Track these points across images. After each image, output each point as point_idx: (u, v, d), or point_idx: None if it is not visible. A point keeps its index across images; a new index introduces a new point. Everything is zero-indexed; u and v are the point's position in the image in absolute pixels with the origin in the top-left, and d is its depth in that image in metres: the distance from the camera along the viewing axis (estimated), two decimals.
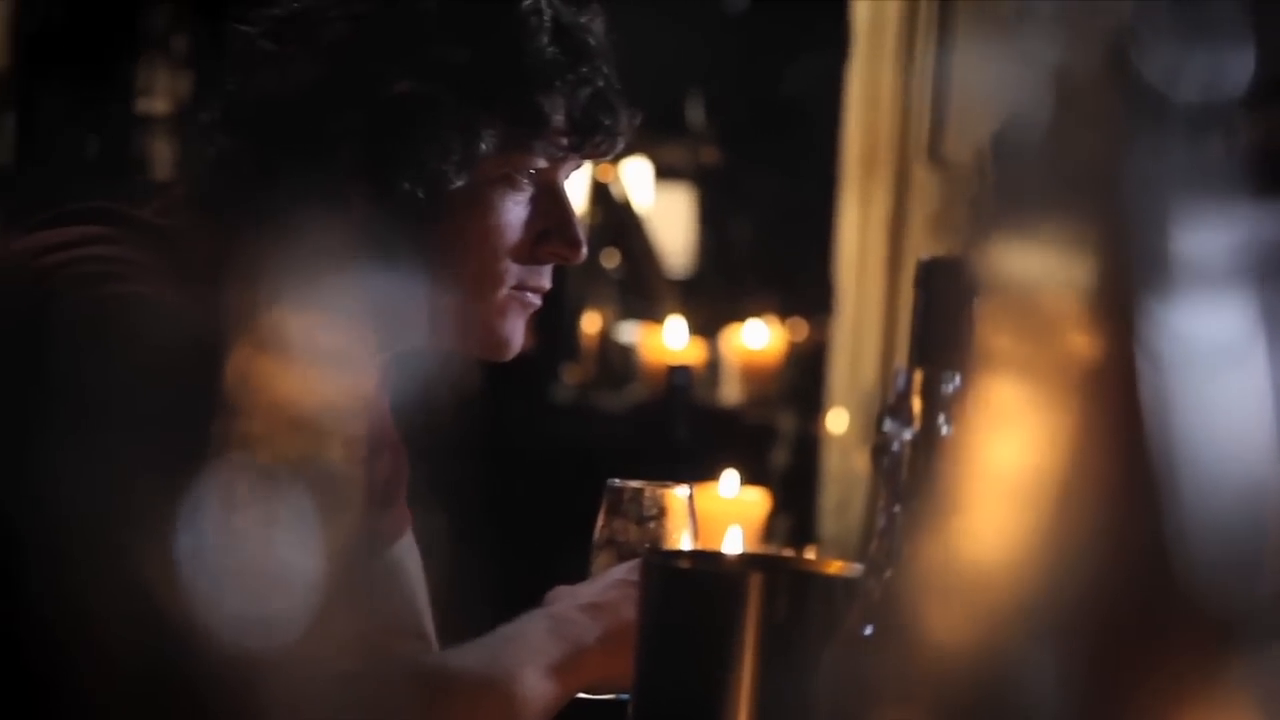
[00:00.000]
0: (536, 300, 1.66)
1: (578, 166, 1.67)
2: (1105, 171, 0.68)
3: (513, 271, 1.62)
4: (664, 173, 5.75)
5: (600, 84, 1.62)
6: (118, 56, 4.63)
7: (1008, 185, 0.71)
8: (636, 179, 5.58)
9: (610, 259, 5.25)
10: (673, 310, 4.91)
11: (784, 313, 4.85)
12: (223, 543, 1.38)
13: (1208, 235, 0.69)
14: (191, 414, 1.38)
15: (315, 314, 1.55)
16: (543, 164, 1.62)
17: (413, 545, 1.84)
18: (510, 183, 1.61)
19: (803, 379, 4.33)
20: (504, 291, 1.62)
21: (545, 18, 1.60)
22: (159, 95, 4.63)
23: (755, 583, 1.22)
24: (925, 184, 3.66)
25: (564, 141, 1.61)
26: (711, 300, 5.25)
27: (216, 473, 1.38)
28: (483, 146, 1.57)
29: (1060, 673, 0.68)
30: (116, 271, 1.47)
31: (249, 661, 1.36)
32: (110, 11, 4.66)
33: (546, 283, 1.66)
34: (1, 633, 1.47)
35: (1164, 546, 0.66)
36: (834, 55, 3.88)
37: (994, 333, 0.71)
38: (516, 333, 1.65)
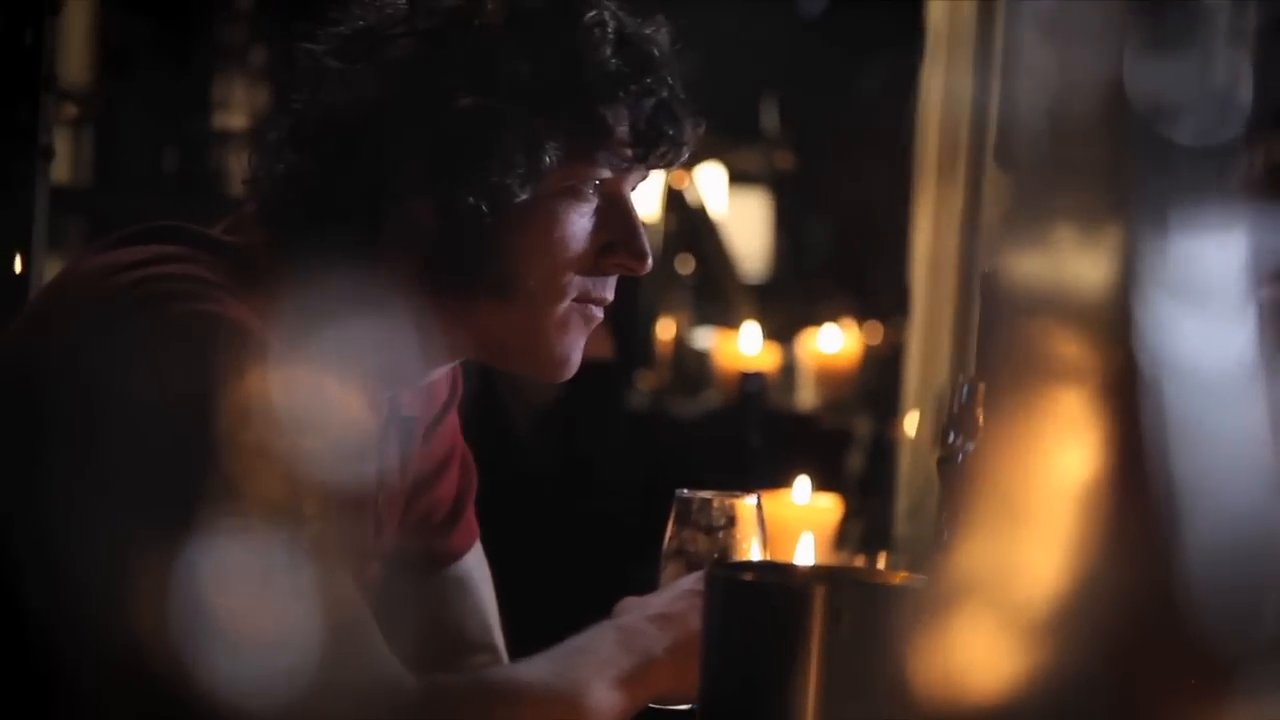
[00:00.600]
0: (599, 314, 1.66)
1: (644, 177, 1.67)
2: (1115, 184, 0.68)
3: (576, 283, 1.62)
4: (738, 178, 5.75)
5: (664, 94, 1.62)
6: (196, 71, 4.67)
7: (1027, 194, 0.71)
8: (711, 184, 5.58)
9: (685, 265, 5.25)
10: (748, 316, 4.91)
11: (859, 317, 4.84)
12: (218, 598, 1.39)
13: (1214, 250, 0.69)
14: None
15: (347, 344, 1.57)
16: (607, 175, 1.62)
17: (481, 558, 1.85)
18: (575, 194, 1.61)
19: (878, 383, 4.32)
20: (566, 304, 1.62)
21: (609, 29, 1.60)
22: (236, 109, 4.67)
23: (818, 595, 1.23)
24: (999, 187, 3.64)
25: (628, 152, 1.61)
26: (787, 305, 5.24)
27: (216, 522, 1.38)
28: (547, 160, 1.58)
29: (1079, 691, 0.68)
30: (186, 290, 1.48)
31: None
32: (189, 26, 4.70)
33: (610, 294, 1.66)
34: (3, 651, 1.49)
35: (1168, 572, 0.66)
36: (909, 58, 3.87)
37: (1024, 344, 0.72)
38: (576, 350, 1.65)
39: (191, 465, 1.40)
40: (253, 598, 1.38)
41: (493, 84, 1.57)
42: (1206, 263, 0.70)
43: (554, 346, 1.63)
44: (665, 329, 4.94)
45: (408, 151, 1.57)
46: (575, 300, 1.63)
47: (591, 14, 1.60)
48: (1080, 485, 0.69)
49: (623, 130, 1.60)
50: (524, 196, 1.57)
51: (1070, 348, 0.69)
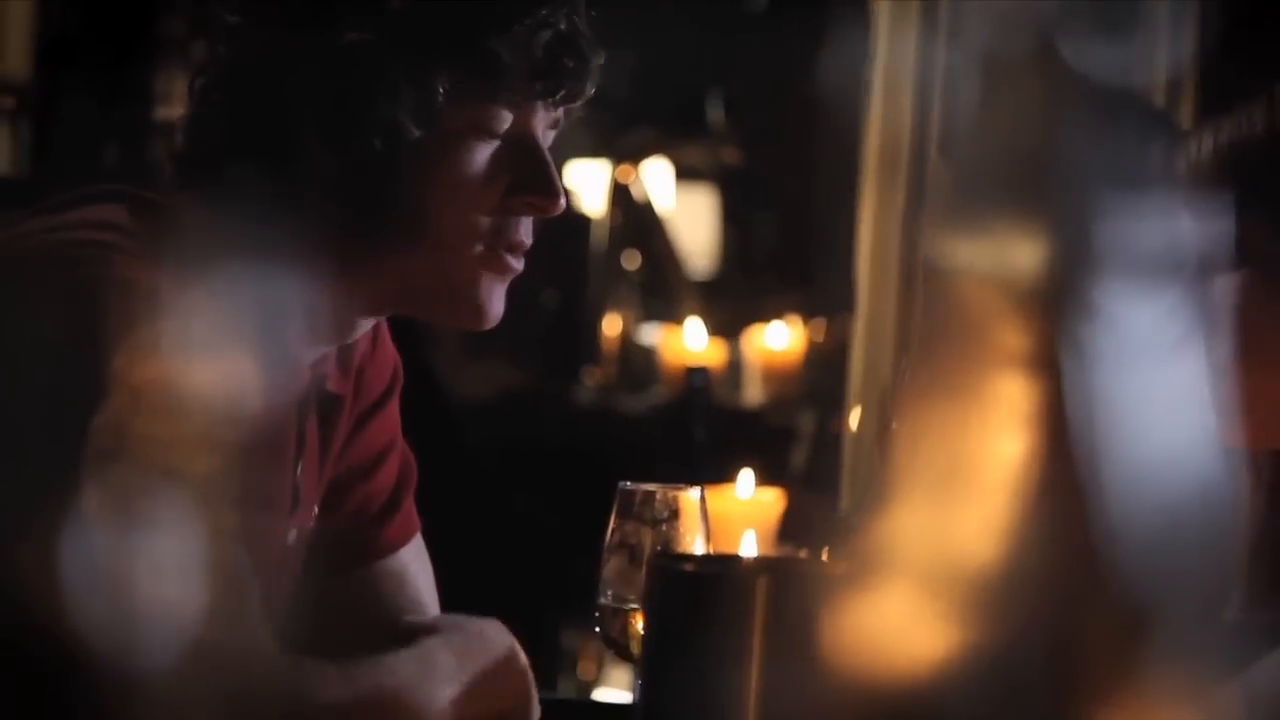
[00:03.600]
0: (514, 262, 1.62)
1: (556, 120, 1.64)
2: (1042, 162, 0.67)
3: (485, 225, 1.59)
4: (685, 173, 5.74)
5: (562, 26, 1.59)
6: (136, 63, 4.63)
7: (960, 177, 0.70)
8: (657, 179, 5.57)
9: (631, 260, 5.24)
10: (694, 311, 4.90)
11: (806, 313, 4.83)
12: (99, 547, 1.38)
13: (1143, 226, 0.68)
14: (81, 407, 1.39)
15: (249, 294, 1.55)
16: (507, 113, 1.59)
17: (421, 550, 1.83)
18: (476, 134, 1.58)
19: (823, 379, 4.32)
20: (477, 248, 1.59)
21: None
22: (177, 102, 4.63)
23: (760, 585, 1.21)
24: (941, 177, 3.65)
25: (526, 88, 1.59)
26: (733, 301, 5.23)
27: (98, 473, 1.38)
28: (439, 94, 1.55)
29: (1014, 661, 0.67)
30: (96, 255, 1.47)
31: (123, 672, 1.36)
32: (128, 18, 4.67)
33: (526, 238, 1.62)
34: None
35: (1092, 542, 0.65)
36: (855, 52, 3.86)
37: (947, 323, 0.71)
38: (494, 299, 1.62)
39: (74, 417, 1.39)
40: (134, 554, 1.37)
41: (377, 19, 1.55)
42: (1142, 244, 0.69)
43: (469, 291, 1.60)
44: (611, 325, 4.93)
45: (303, 96, 1.55)
46: (488, 246, 1.60)
47: None
48: (1006, 457, 0.68)
49: (520, 65, 1.57)
50: (419, 134, 1.55)
51: (998, 322, 0.68)
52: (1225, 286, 1.55)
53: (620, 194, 5.27)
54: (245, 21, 1.58)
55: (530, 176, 1.61)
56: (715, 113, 5.66)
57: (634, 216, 5.29)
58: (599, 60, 1.62)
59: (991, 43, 0.71)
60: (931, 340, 0.72)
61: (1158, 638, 0.66)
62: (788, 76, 5.28)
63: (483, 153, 1.59)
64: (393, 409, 1.79)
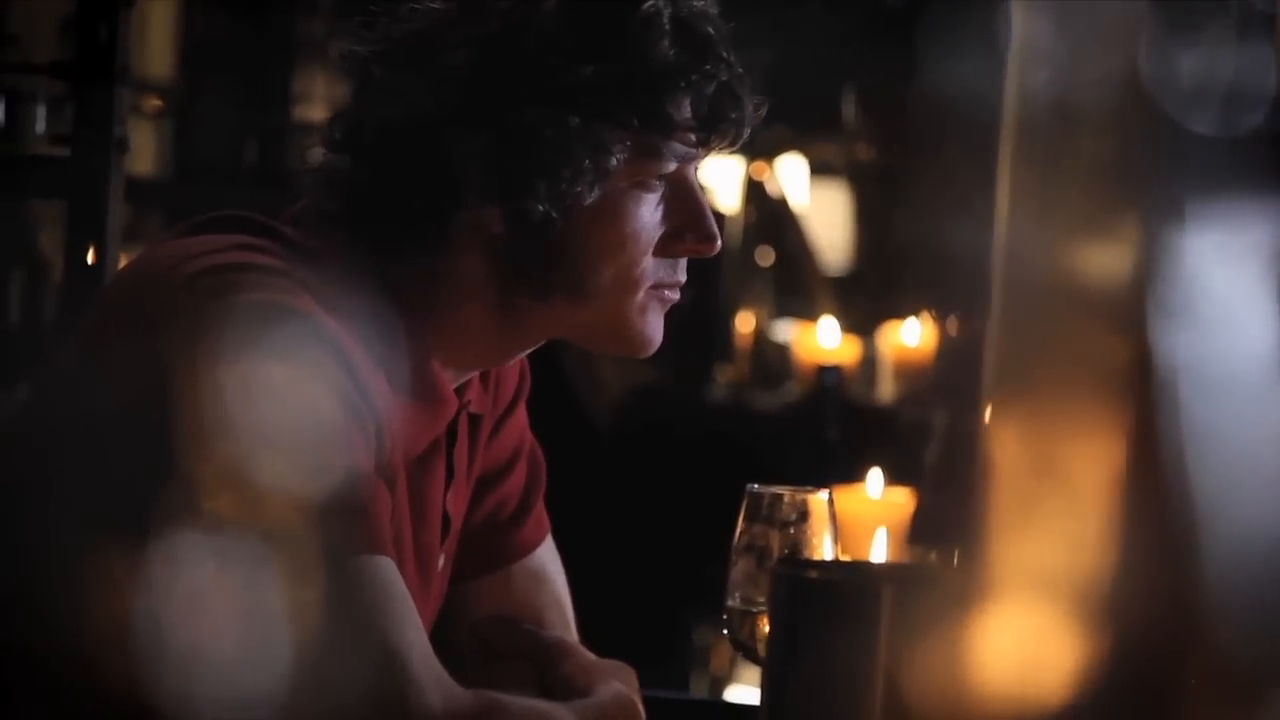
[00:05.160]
0: (675, 295, 1.65)
1: (705, 157, 1.66)
2: (1131, 176, 0.67)
3: (649, 272, 1.62)
4: (819, 169, 5.73)
5: (725, 77, 1.60)
6: (277, 64, 4.69)
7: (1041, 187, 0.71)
8: (791, 176, 5.56)
9: (765, 257, 5.24)
10: (828, 308, 4.89)
11: (940, 309, 4.80)
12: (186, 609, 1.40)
13: (1235, 246, 0.68)
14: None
15: (413, 340, 1.58)
16: (673, 166, 1.61)
17: (554, 551, 1.84)
18: (642, 187, 1.60)
19: (958, 376, 4.28)
20: (642, 294, 1.62)
21: (665, 17, 1.58)
22: (316, 103, 4.69)
23: (885, 593, 1.21)
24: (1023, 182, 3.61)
25: (692, 139, 1.60)
26: (867, 298, 5.21)
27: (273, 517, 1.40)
28: (614, 161, 1.57)
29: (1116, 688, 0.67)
30: (254, 281, 1.49)
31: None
32: (270, 19, 4.73)
33: (683, 277, 1.65)
34: None
35: (1187, 575, 0.64)
36: (993, 49, 3.83)
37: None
38: (657, 329, 1.64)
39: (255, 446, 1.41)
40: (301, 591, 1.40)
41: (555, 91, 1.55)
42: (1226, 259, 0.69)
43: (634, 330, 1.63)
44: (745, 322, 4.92)
45: (472, 163, 1.55)
46: (650, 289, 1.62)
47: (648, 3, 1.58)
48: (1096, 483, 0.67)
49: (686, 119, 1.59)
50: (593, 198, 1.56)
51: (1085, 343, 0.68)
52: None
53: (754, 191, 5.27)
54: (401, 78, 1.57)
55: (690, 223, 1.63)
56: (849, 109, 5.64)
57: (768, 213, 5.28)
58: (759, 107, 1.63)
59: (1072, 57, 0.71)
60: (1024, 349, 0.72)
61: (1254, 680, 0.66)
62: (922, 72, 5.25)
63: (646, 205, 1.61)
64: (521, 412, 1.81)
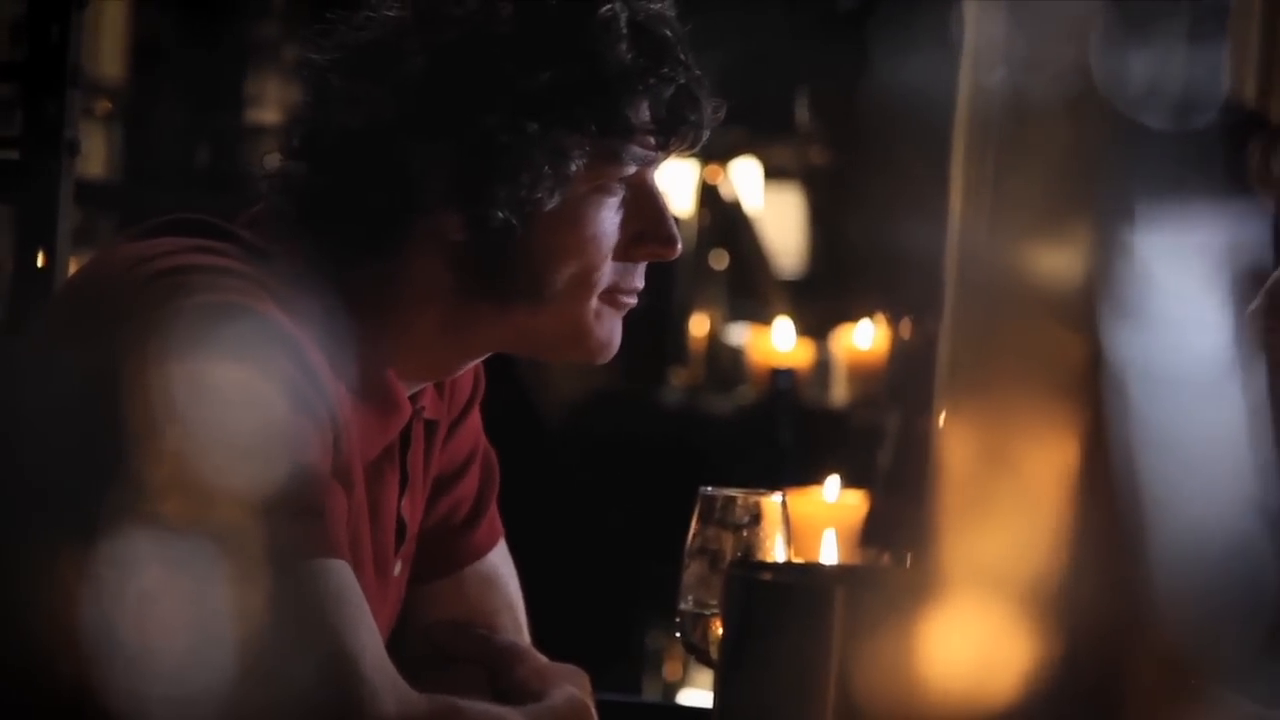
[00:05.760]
0: (632, 301, 1.65)
1: (664, 160, 1.66)
2: (1085, 174, 0.67)
3: (608, 277, 1.61)
4: (773, 173, 5.74)
5: (682, 80, 1.60)
6: (229, 66, 4.67)
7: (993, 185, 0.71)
8: (745, 179, 5.57)
9: (719, 260, 5.24)
10: (782, 311, 4.90)
11: (893, 312, 4.82)
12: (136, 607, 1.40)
13: (1188, 244, 0.68)
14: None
15: (369, 345, 1.57)
16: (632, 169, 1.60)
17: (506, 555, 1.84)
18: (602, 191, 1.60)
19: (911, 379, 4.30)
20: (599, 299, 1.61)
21: (622, 21, 1.58)
22: (269, 105, 4.67)
23: (835, 595, 1.21)
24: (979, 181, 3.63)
25: (651, 142, 1.60)
26: (821, 301, 5.22)
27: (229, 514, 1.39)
28: (573, 166, 1.56)
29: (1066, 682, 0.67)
30: (211, 282, 1.48)
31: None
32: (222, 21, 4.71)
33: (641, 282, 1.65)
34: None
35: (1137, 566, 0.65)
36: (945, 52, 3.84)
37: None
38: (614, 335, 1.64)
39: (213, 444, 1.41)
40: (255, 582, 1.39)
41: (514, 97, 1.55)
42: (1178, 258, 0.69)
43: (591, 337, 1.62)
44: (699, 325, 4.93)
45: (430, 170, 1.55)
46: (608, 293, 1.62)
47: (605, 7, 1.57)
48: (1047, 483, 0.68)
49: (645, 122, 1.58)
50: (552, 204, 1.56)
51: (1038, 342, 0.69)
52: None
53: (708, 194, 5.28)
54: (358, 87, 1.56)
55: (650, 226, 1.62)
56: (803, 112, 5.65)
57: (722, 216, 5.29)
58: (716, 109, 1.62)
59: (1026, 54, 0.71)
60: (977, 349, 0.72)
61: (1202, 671, 0.66)
62: (875, 73, 5.26)
63: (606, 209, 1.60)
64: (475, 416, 1.81)
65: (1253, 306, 1.56)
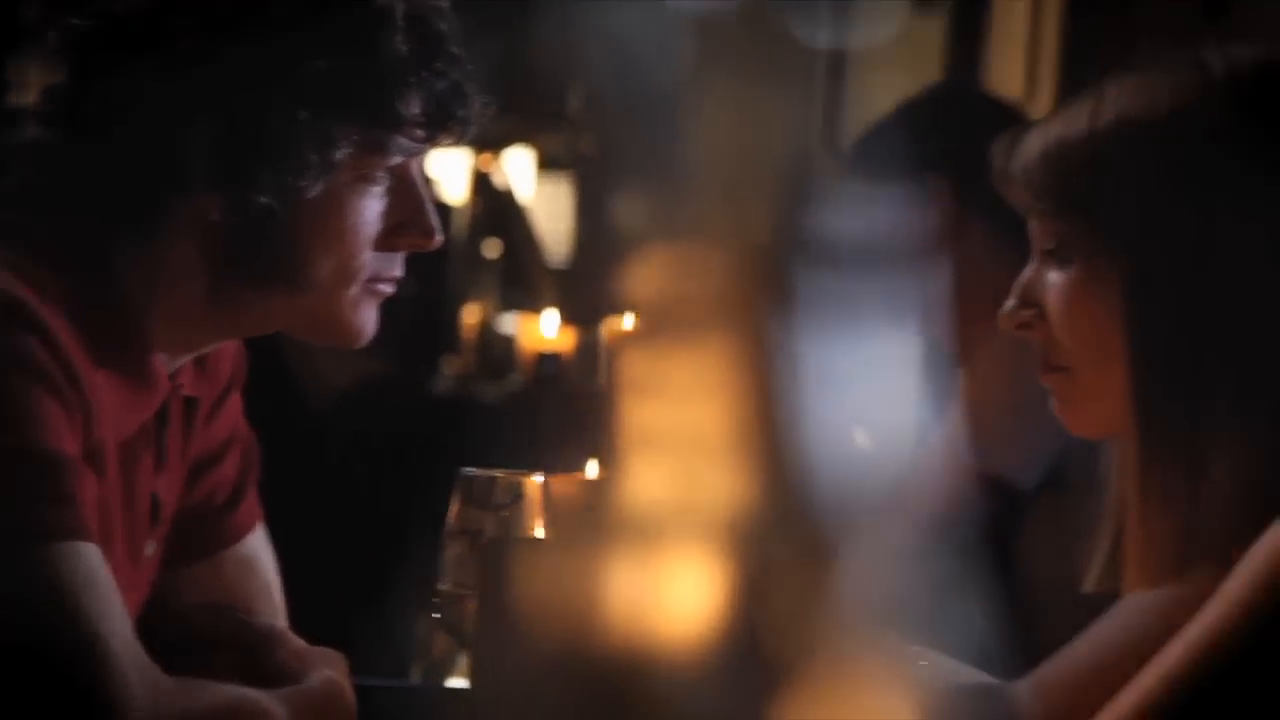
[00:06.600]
0: (390, 289, 1.66)
1: (430, 152, 1.67)
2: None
3: (368, 265, 1.62)
4: (546, 162, 5.76)
5: (455, 75, 1.61)
6: None
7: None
8: (518, 168, 5.58)
9: (491, 249, 5.25)
10: (553, 300, 4.92)
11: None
12: None
13: (841, 225, 0.72)
14: None
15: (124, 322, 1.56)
16: (397, 160, 1.61)
17: (265, 540, 1.84)
18: (365, 180, 1.60)
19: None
20: (357, 287, 1.62)
21: (398, 13, 1.58)
22: (32, 89, 4.58)
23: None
24: (826, 173, 3.71)
25: (418, 135, 1.61)
26: (591, 289, 5.25)
27: None
28: (338, 154, 1.57)
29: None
30: None
31: None
32: None
33: (400, 271, 1.66)
34: None
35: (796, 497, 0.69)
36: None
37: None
38: (368, 322, 1.65)
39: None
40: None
41: (284, 82, 1.55)
42: (848, 228, 0.73)
43: (347, 323, 1.63)
44: (471, 313, 4.93)
45: (194, 150, 1.54)
46: (367, 281, 1.62)
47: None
48: (720, 416, 0.71)
49: (414, 115, 1.59)
50: (316, 191, 1.56)
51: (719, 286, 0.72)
52: (1058, 285, 1.58)
53: (481, 183, 5.28)
54: (128, 58, 1.54)
55: (411, 218, 1.63)
56: (575, 102, 5.68)
57: (494, 205, 5.30)
58: (486, 105, 1.64)
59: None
60: (652, 300, 0.76)
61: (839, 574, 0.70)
62: (643, 67, 5.30)
63: (368, 198, 1.60)
64: (236, 397, 1.80)
65: (1007, 306, 1.62)
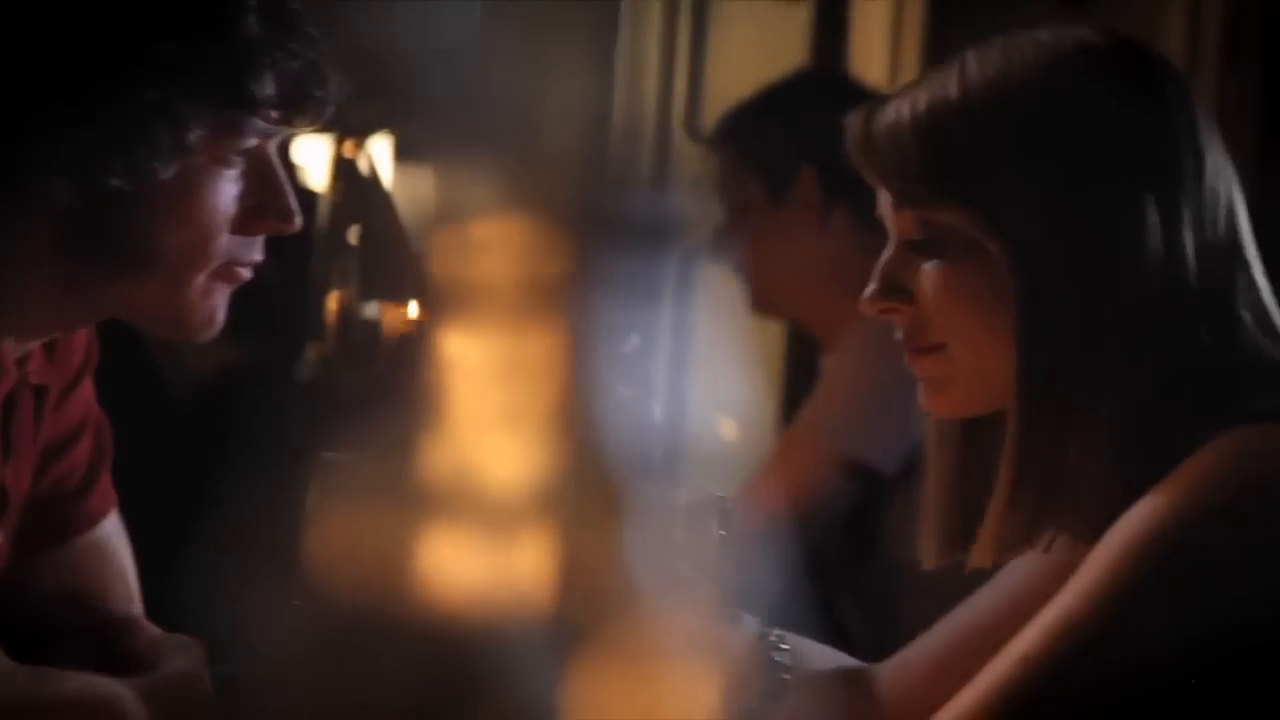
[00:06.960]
0: (248, 274, 1.64)
1: (287, 134, 1.65)
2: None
3: (224, 249, 1.60)
4: (403, 149, 5.72)
5: (310, 55, 1.60)
6: None
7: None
8: (382, 155, 5.54)
9: (355, 236, 5.21)
10: (415, 287, 4.89)
11: None
12: None
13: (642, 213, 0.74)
14: None
15: None
16: (253, 142, 1.59)
17: (119, 526, 1.81)
18: (220, 162, 1.58)
19: None
20: (208, 273, 1.60)
21: None
22: None
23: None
24: (685, 155, 3.72)
25: (274, 116, 1.59)
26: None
27: None
28: (191, 136, 1.54)
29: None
30: None
31: None
32: None
33: (258, 255, 1.64)
34: None
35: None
36: (603, 30, 3.89)
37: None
38: (218, 312, 1.63)
39: None
40: None
41: (135, 64, 1.52)
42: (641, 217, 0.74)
43: (198, 311, 1.61)
44: (334, 300, 4.88)
45: (42, 132, 1.51)
46: (221, 265, 1.60)
47: None
48: (529, 393, 0.72)
49: (269, 96, 1.58)
50: (168, 174, 1.54)
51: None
52: (935, 274, 1.58)
53: (344, 169, 5.24)
54: None
55: (269, 201, 1.62)
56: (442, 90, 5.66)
57: (358, 192, 5.26)
58: (344, 86, 1.62)
59: None
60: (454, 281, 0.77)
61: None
62: (529, 52, 5.28)
63: (224, 181, 1.58)
64: (88, 384, 1.78)
65: (869, 291, 1.61)
